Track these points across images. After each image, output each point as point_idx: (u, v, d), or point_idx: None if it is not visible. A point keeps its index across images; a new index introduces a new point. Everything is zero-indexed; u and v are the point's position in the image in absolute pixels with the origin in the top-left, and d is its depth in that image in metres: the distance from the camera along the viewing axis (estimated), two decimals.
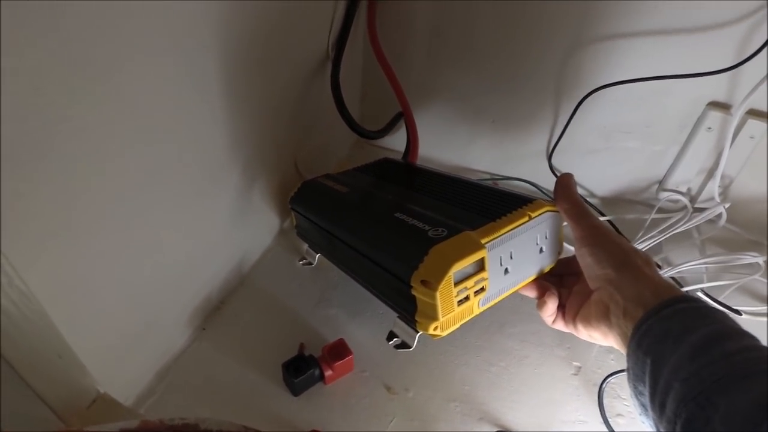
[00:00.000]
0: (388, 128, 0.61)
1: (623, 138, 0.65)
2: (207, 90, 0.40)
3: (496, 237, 0.36)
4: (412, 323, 0.38)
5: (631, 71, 0.59)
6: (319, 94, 0.60)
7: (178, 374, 0.46)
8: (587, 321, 0.37)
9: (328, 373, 0.44)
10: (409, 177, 0.55)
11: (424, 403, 0.45)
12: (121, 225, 0.36)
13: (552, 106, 0.66)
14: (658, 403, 0.28)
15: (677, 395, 0.26)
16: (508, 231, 0.37)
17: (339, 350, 0.46)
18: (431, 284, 0.34)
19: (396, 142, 0.71)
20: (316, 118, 0.61)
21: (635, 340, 0.31)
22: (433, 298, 0.34)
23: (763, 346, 0.27)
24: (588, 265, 0.36)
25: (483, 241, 0.36)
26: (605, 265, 0.35)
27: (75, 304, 0.32)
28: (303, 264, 0.56)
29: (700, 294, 0.53)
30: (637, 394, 0.31)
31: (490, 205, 0.41)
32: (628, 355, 0.32)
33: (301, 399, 0.45)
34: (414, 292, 0.36)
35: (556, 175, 0.69)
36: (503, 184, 0.72)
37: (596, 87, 0.61)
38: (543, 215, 0.40)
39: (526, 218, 0.39)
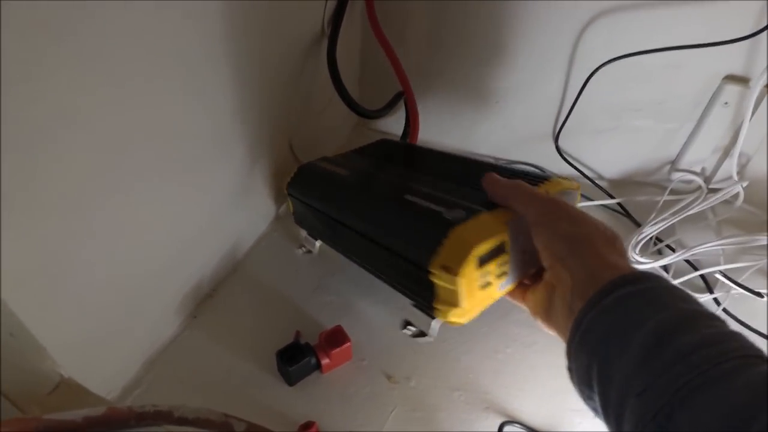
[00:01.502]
0: (387, 108, 0.58)
1: (634, 116, 0.62)
2: (210, 50, 0.38)
3: (516, 217, 0.34)
4: (429, 311, 0.36)
5: (642, 44, 0.56)
6: (314, 74, 0.57)
7: (168, 364, 0.44)
8: (534, 305, 0.34)
9: (324, 361, 0.42)
10: (411, 157, 0.52)
11: (426, 392, 0.43)
12: (102, 199, 0.33)
13: (559, 83, 0.63)
14: (613, 416, 0.24)
15: (634, 412, 0.22)
16: None
17: (336, 337, 0.43)
18: (453, 269, 0.32)
19: (396, 126, 0.69)
20: (312, 99, 0.58)
21: (576, 339, 0.27)
22: (455, 283, 0.32)
23: (723, 331, 0.23)
24: (540, 243, 0.31)
25: (504, 221, 0.34)
26: (557, 241, 0.30)
27: (45, 284, 0.30)
28: (303, 252, 0.54)
29: (718, 276, 0.51)
30: (585, 398, 0.27)
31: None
32: (569, 354, 0.28)
33: (297, 389, 0.42)
34: (433, 278, 0.34)
35: (563, 157, 0.67)
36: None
37: (604, 61, 0.58)
38: (561, 192, 0.38)
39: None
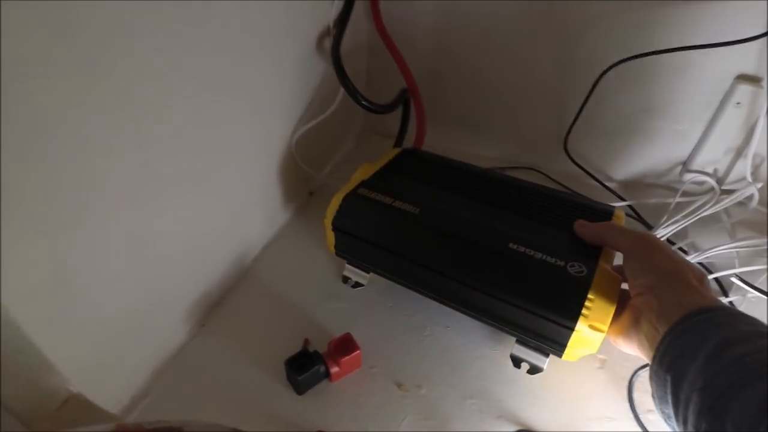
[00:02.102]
0: (395, 104, 0.58)
1: (644, 117, 0.61)
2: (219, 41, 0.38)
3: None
4: (552, 351, 0.41)
5: (652, 44, 0.55)
6: (320, 76, 0.57)
7: (175, 374, 0.43)
8: (616, 329, 0.37)
9: (334, 369, 0.41)
10: (468, 184, 0.49)
11: (438, 401, 0.42)
12: (112, 211, 0.33)
13: (568, 84, 0.62)
14: (681, 419, 0.29)
15: (695, 407, 0.27)
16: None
17: (346, 345, 0.43)
18: (600, 328, 0.36)
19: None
20: (318, 101, 0.58)
21: (656, 360, 0.32)
22: (600, 338, 0.37)
23: None
24: (633, 273, 0.37)
25: (613, 269, 0.39)
26: (650, 273, 0.35)
27: (54, 298, 0.29)
28: (352, 287, 0.51)
29: (734, 280, 0.49)
30: (666, 417, 0.31)
31: (581, 218, 0.43)
32: (651, 377, 0.32)
33: (306, 398, 0.42)
34: (576, 334, 0.37)
35: (572, 160, 0.66)
36: (513, 173, 0.68)
37: (614, 62, 0.57)
38: None
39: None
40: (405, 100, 0.59)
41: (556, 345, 0.39)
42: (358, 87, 0.53)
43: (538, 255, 0.39)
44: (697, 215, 0.55)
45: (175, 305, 0.44)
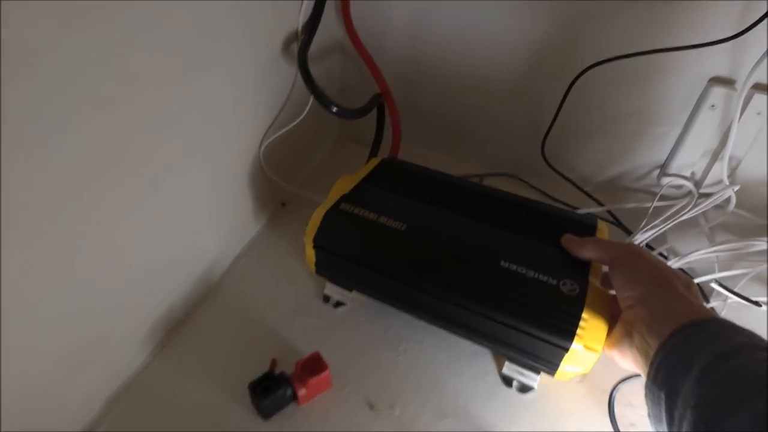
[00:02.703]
0: (366, 109, 0.56)
1: (620, 121, 0.61)
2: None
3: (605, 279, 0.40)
4: (548, 371, 0.40)
5: (626, 47, 0.54)
6: (288, 82, 0.55)
7: (133, 400, 0.41)
8: (609, 340, 0.36)
9: (301, 392, 0.39)
10: (451, 197, 0.48)
11: (412, 421, 0.40)
12: (59, 223, 0.30)
13: (543, 89, 0.61)
14: None
15: (690, 421, 0.26)
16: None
17: (314, 365, 0.40)
18: (595, 348, 0.36)
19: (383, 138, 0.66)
20: (286, 108, 0.56)
21: (651, 376, 0.30)
22: (595, 358, 0.37)
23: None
24: (620, 285, 0.36)
25: (603, 286, 0.39)
26: (638, 284, 0.35)
27: None
28: (334, 306, 0.48)
29: (714, 285, 0.49)
30: None
31: (566, 232, 0.43)
32: (646, 395, 0.31)
33: (273, 423, 0.39)
34: (570, 353, 0.37)
35: (549, 165, 0.65)
36: (490, 181, 0.67)
37: (587, 66, 0.56)
38: None
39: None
40: (379, 106, 0.57)
41: (549, 364, 0.39)
42: (331, 93, 0.51)
43: (531, 273, 0.39)
44: (676, 219, 0.54)
45: (132, 326, 0.42)
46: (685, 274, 0.35)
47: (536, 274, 0.39)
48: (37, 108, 0.27)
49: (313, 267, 0.47)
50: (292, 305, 0.49)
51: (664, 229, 0.54)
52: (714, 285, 0.49)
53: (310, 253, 0.46)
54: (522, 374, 0.42)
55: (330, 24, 0.60)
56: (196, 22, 0.38)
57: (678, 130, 0.60)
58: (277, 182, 0.57)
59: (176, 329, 0.46)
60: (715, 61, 0.54)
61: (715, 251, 0.52)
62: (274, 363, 0.42)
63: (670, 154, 0.61)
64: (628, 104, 0.59)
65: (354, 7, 0.59)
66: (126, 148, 0.35)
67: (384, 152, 0.64)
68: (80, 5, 0.28)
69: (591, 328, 0.36)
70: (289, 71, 0.54)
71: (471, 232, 0.44)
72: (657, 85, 0.57)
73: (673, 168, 0.61)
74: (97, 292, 0.36)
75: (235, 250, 0.55)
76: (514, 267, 0.40)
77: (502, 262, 0.40)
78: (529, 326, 0.37)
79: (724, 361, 0.27)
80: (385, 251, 0.43)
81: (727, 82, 0.55)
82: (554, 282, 0.38)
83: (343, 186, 0.49)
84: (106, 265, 0.36)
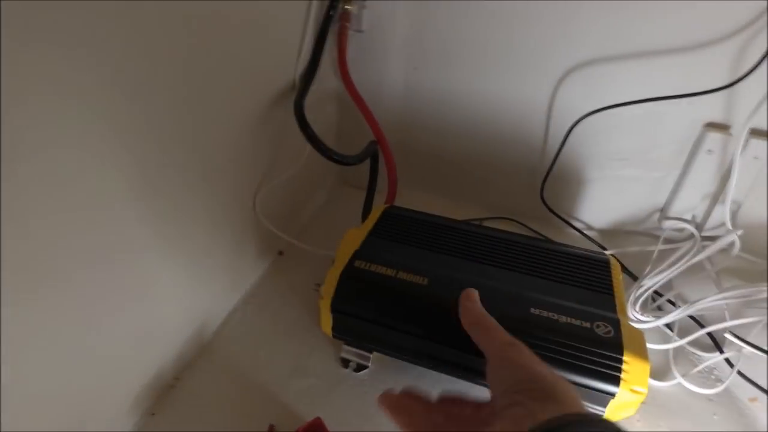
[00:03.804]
0: (364, 156, 0.55)
1: (619, 165, 0.61)
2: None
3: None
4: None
5: (621, 96, 0.55)
6: (284, 132, 0.54)
7: None
8: None
9: None
10: (465, 244, 0.47)
11: None
12: (37, 288, 0.28)
13: (540, 136, 0.61)
14: None
15: None
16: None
17: None
18: (641, 392, 0.35)
19: (379, 181, 0.65)
20: (283, 158, 0.55)
21: None
22: (640, 400, 0.36)
23: None
24: (497, 380, 0.29)
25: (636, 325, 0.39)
26: (514, 378, 0.28)
27: None
28: (354, 370, 0.45)
29: (727, 336, 0.47)
30: None
31: (587, 273, 0.44)
32: None
33: None
34: (616, 399, 0.36)
35: (549, 208, 0.64)
36: (490, 224, 0.66)
37: (582, 115, 0.57)
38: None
39: (621, 280, 0.45)
40: (373, 153, 0.56)
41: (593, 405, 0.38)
42: (328, 140, 0.51)
43: (563, 319, 0.39)
44: (682, 266, 0.53)
45: (118, 394, 0.39)
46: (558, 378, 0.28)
47: (568, 319, 0.38)
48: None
49: (329, 331, 0.44)
50: (291, 363, 0.46)
51: (671, 275, 0.53)
52: (727, 335, 0.47)
53: (327, 318, 0.43)
54: None
55: (326, 74, 0.60)
56: (187, 82, 0.38)
57: (676, 174, 0.60)
58: (273, 232, 0.55)
59: (166, 394, 0.43)
60: (710, 107, 0.55)
61: (723, 298, 0.50)
62: (272, 429, 0.40)
63: (669, 197, 0.61)
64: (626, 149, 0.60)
65: (351, 57, 0.60)
66: (114, 215, 0.33)
67: (380, 197, 0.63)
68: None
69: (634, 370, 0.35)
70: (285, 120, 0.53)
71: (494, 279, 0.43)
72: (653, 131, 0.58)
73: (674, 211, 0.61)
74: (82, 361, 0.34)
75: (229, 305, 0.52)
76: (545, 313, 0.39)
77: (532, 310, 0.39)
78: (571, 375, 0.36)
79: None
80: (411, 309, 0.41)
81: (722, 127, 0.55)
82: (588, 325, 0.38)
83: (351, 240, 0.47)
84: (87, 331, 0.34)
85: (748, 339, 0.48)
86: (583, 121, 0.57)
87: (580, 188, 0.64)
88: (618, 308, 0.40)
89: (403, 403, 0.32)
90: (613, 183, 0.62)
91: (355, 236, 0.48)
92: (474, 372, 0.41)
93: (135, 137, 0.33)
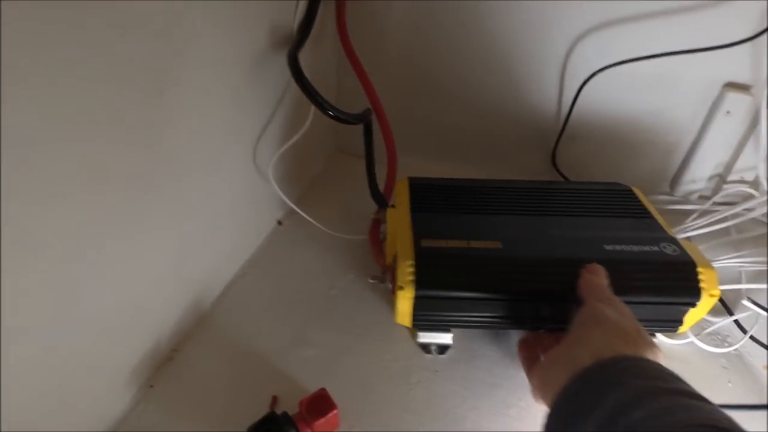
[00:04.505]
0: (359, 117, 0.51)
1: (632, 129, 0.58)
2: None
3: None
4: (667, 331, 0.44)
5: (637, 53, 0.52)
6: (287, 93, 0.51)
7: None
8: (534, 380, 0.34)
9: None
10: (513, 202, 0.47)
11: None
12: (32, 253, 0.26)
13: (553, 98, 0.59)
14: None
15: None
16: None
17: (320, 404, 0.36)
18: (716, 293, 0.39)
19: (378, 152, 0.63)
20: (283, 120, 0.52)
21: (545, 424, 0.29)
22: (715, 300, 0.39)
23: (678, 404, 0.24)
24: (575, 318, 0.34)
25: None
26: (578, 320, 0.33)
27: None
28: (438, 353, 0.44)
29: (745, 302, 0.46)
30: None
31: (623, 203, 0.47)
32: None
33: None
34: (697, 306, 0.39)
35: (561, 174, 0.62)
36: None
37: (595, 70, 0.54)
38: None
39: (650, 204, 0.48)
40: (367, 123, 0.52)
41: (674, 324, 0.41)
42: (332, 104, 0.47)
43: (635, 248, 0.41)
44: (738, 219, 0.51)
45: (115, 365, 0.37)
46: (637, 326, 0.32)
47: (638, 248, 0.41)
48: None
49: (408, 322, 0.42)
50: (291, 335, 0.45)
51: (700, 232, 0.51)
52: (745, 301, 0.46)
53: (406, 308, 0.40)
54: None
55: (327, 36, 0.56)
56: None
57: (691, 138, 0.57)
58: (273, 200, 0.53)
59: (164, 366, 0.42)
60: (729, 65, 0.52)
61: (741, 260, 0.49)
62: (275, 401, 0.38)
63: (683, 162, 0.59)
64: (639, 111, 0.57)
65: (351, 17, 0.56)
66: (105, 165, 0.31)
67: (378, 167, 0.60)
68: None
69: (707, 278, 0.39)
70: (288, 80, 0.50)
71: (556, 228, 0.44)
72: (667, 91, 0.55)
73: (693, 176, 0.58)
74: (77, 328, 0.32)
75: (228, 275, 0.50)
76: (618, 248, 0.41)
77: (606, 247, 0.41)
78: (655, 296, 0.39)
79: (624, 414, 0.24)
80: (497, 275, 0.39)
81: (742, 87, 0.53)
82: (656, 248, 0.41)
83: (397, 221, 0.44)
84: (83, 298, 0.32)
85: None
86: (597, 81, 0.55)
87: (592, 153, 0.61)
88: (666, 228, 0.43)
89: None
90: (626, 147, 0.60)
91: (398, 216, 0.45)
92: (561, 321, 0.39)
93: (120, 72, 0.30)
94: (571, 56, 0.55)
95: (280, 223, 0.58)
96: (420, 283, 0.38)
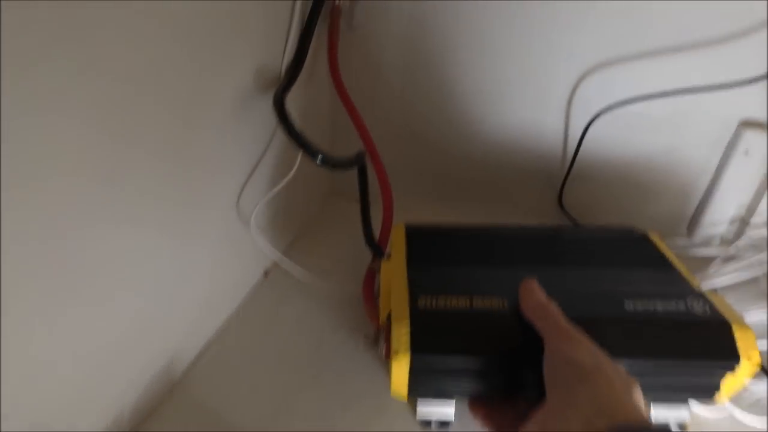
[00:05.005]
0: (351, 162, 0.47)
1: (643, 170, 0.55)
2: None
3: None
4: (703, 398, 0.38)
5: (645, 91, 0.50)
6: (274, 137, 0.48)
7: None
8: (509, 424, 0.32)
9: None
10: (517, 249, 0.43)
11: None
12: None
13: (558, 138, 0.56)
14: None
15: None
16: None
17: None
18: (754, 357, 0.34)
19: (373, 193, 0.59)
20: (271, 161, 0.49)
21: None
22: (755, 365, 0.34)
23: None
24: (551, 367, 0.30)
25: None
26: (568, 366, 0.29)
27: None
28: (438, 430, 0.38)
29: None
30: None
31: (639, 251, 0.43)
32: None
33: None
34: (736, 371, 0.34)
35: (570, 217, 0.58)
36: None
37: (603, 108, 0.51)
38: None
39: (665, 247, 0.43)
40: (361, 165, 0.48)
41: (707, 391, 0.36)
42: (322, 148, 0.44)
43: (659, 306, 0.36)
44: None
45: None
46: (626, 371, 0.29)
47: (663, 304, 0.36)
48: None
49: (404, 392, 0.36)
50: (275, 405, 0.39)
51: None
52: None
53: (402, 377, 0.34)
54: (674, 412, 0.37)
55: (320, 75, 0.54)
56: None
57: (707, 178, 0.54)
58: (258, 249, 0.49)
59: None
60: (746, 102, 0.49)
61: None
62: None
63: (699, 205, 0.55)
64: (649, 152, 0.54)
65: (343, 56, 0.54)
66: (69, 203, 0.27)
67: (374, 207, 0.56)
68: None
69: (744, 337, 0.34)
70: (274, 125, 0.47)
71: (567, 281, 0.39)
72: (679, 130, 0.52)
73: (706, 220, 0.54)
74: (18, 398, 0.27)
75: (204, 336, 0.45)
76: (640, 305, 0.36)
77: (626, 304, 0.36)
78: (686, 360, 0.34)
79: None
80: (503, 339, 0.34)
81: (761, 125, 0.49)
82: (683, 305, 0.36)
83: (391, 275, 0.40)
84: (35, 360, 0.27)
85: None
86: (604, 120, 0.52)
87: (602, 194, 0.57)
88: (690, 279, 0.39)
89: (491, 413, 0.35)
90: (637, 187, 0.56)
91: (393, 269, 0.41)
92: None
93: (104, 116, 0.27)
94: (576, 93, 0.52)
95: (266, 273, 0.54)
96: (415, 348, 0.33)
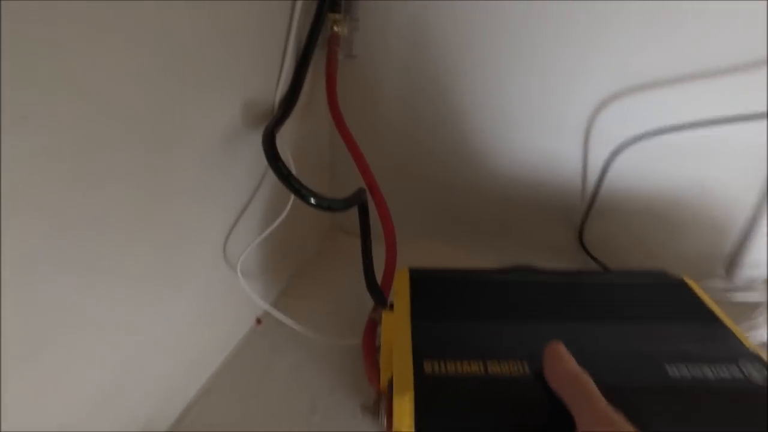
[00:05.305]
0: (349, 202, 0.43)
1: (671, 205, 0.50)
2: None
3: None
4: None
5: (670, 121, 0.46)
6: (266, 175, 0.44)
7: None
8: None
9: None
10: (538, 300, 0.38)
11: None
12: None
13: (576, 172, 0.51)
14: None
15: None
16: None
17: None
18: None
19: (376, 229, 0.55)
20: (262, 201, 0.45)
21: None
22: None
23: None
24: None
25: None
26: None
27: None
28: None
29: None
30: None
31: (678, 302, 0.37)
32: None
33: None
34: None
35: (592, 257, 0.53)
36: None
37: (624, 141, 0.47)
38: None
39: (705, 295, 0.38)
40: (362, 203, 0.44)
41: None
42: (320, 183, 0.40)
43: (707, 371, 0.31)
44: None
45: None
46: None
47: (712, 369, 0.31)
48: None
49: None
50: None
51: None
52: None
53: None
54: None
55: (318, 107, 0.51)
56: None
57: (746, 214, 0.49)
58: (248, 295, 0.44)
59: None
60: None
61: None
62: None
63: (738, 242, 0.50)
64: (677, 185, 0.49)
65: (342, 86, 0.51)
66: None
67: (376, 244, 0.52)
68: None
69: None
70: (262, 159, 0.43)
71: (603, 340, 0.34)
72: (711, 162, 0.47)
73: (748, 260, 0.49)
74: None
75: (187, 394, 0.40)
76: (685, 370, 0.31)
77: (669, 369, 0.31)
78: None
79: None
80: (524, 413, 0.29)
81: None
82: (737, 370, 0.31)
83: (393, 331, 0.35)
84: None
85: None
86: (627, 153, 0.47)
87: (626, 231, 0.52)
88: (740, 336, 0.34)
89: None
90: (665, 224, 0.51)
91: (396, 323, 0.36)
92: None
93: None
94: (597, 121, 0.48)
95: (259, 321, 0.49)
96: (422, 427, 0.28)
